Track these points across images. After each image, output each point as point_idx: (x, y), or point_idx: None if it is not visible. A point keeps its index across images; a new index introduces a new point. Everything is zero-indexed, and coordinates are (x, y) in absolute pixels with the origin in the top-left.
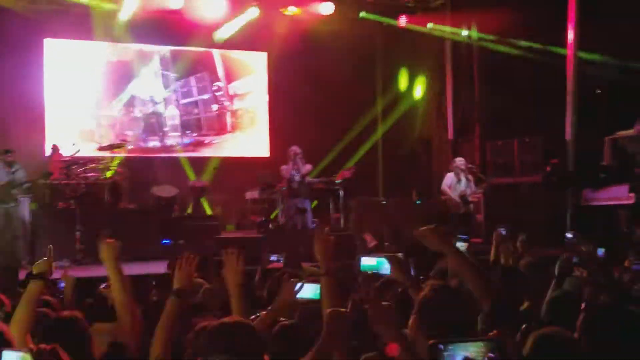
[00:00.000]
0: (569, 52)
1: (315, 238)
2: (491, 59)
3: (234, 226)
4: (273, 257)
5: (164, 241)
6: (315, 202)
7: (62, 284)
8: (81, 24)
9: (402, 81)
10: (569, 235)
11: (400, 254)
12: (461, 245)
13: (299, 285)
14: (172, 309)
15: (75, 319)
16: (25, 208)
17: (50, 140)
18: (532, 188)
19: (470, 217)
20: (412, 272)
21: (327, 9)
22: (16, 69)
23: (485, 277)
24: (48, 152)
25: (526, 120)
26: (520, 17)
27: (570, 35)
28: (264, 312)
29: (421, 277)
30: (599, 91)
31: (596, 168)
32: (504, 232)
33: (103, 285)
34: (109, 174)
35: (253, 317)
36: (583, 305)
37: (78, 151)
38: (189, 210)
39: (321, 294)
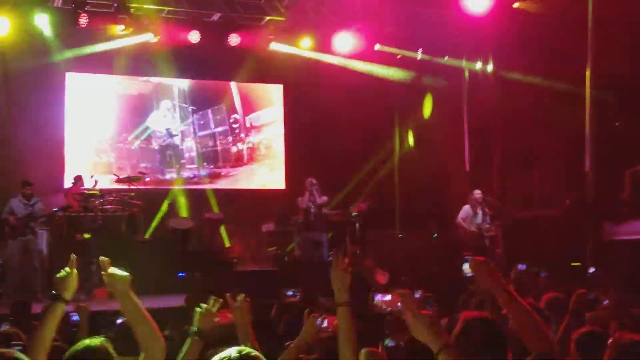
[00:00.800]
0: (587, 83)
1: (333, 267)
2: (509, 89)
3: (250, 259)
4: (289, 292)
5: (179, 274)
6: (330, 234)
7: (74, 317)
8: (102, 58)
9: (427, 107)
10: (590, 270)
11: (418, 292)
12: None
13: (319, 320)
14: (192, 349)
15: (103, 348)
16: (43, 241)
17: (69, 172)
18: (552, 221)
19: (486, 252)
20: (431, 308)
21: (343, 44)
22: (38, 102)
23: (541, 323)
24: (68, 184)
25: (545, 152)
26: (537, 48)
27: (588, 68)
28: (289, 347)
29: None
30: (618, 123)
31: (616, 201)
32: (522, 268)
33: (119, 320)
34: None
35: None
36: (610, 341)
37: (96, 183)
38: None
39: (339, 326)
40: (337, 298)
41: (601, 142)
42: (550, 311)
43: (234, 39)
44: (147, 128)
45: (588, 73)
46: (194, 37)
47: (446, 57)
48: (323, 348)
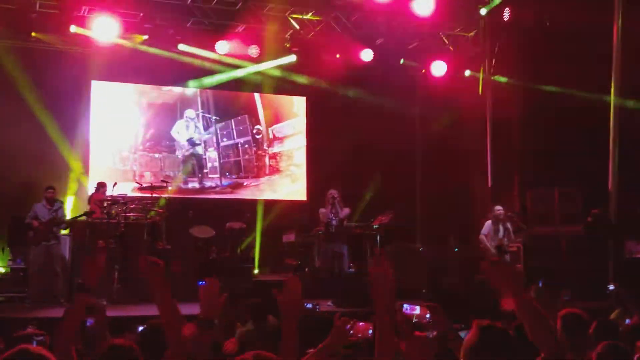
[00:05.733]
0: (612, 99)
1: (374, 271)
2: (532, 105)
3: (269, 269)
4: (308, 305)
5: (200, 282)
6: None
7: (90, 322)
8: (127, 67)
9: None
10: (611, 287)
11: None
12: None
13: (349, 325)
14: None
15: (131, 347)
16: (65, 246)
17: (93, 179)
18: (573, 238)
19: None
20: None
21: (367, 55)
22: (64, 109)
23: (549, 324)
24: (92, 190)
25: (568, 169)
26: (561, 64)
27: (614, 83)
28: (313, 351)
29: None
30: None
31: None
32: (539, 285)
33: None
34: (152, 213)
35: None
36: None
37: (115, 187)
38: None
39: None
40: (379, 306)
41: (625, 160)
42: (565, 327)
43: (254, 50)
44: (170, 137)
45: (613, 88)
46: (223, 48)
47: (467, 72)
48: (348, 353)
